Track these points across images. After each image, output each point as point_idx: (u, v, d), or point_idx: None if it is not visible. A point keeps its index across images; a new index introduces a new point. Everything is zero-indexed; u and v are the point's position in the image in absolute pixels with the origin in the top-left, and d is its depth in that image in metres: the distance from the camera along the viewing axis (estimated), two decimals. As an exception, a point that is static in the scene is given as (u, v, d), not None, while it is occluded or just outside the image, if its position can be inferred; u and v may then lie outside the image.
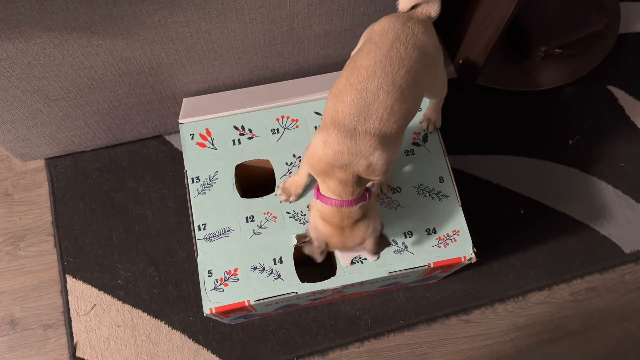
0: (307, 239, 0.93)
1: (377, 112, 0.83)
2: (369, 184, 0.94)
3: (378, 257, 1.02)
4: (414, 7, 0.92)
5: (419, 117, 1.15)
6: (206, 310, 1.00)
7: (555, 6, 1.47)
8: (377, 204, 0.94)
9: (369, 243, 0.91)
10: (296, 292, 1.01)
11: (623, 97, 1.55)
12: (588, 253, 1.39)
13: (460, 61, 1.47)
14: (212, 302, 1.00)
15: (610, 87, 1.55)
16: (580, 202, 1.43)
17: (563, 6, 1.47)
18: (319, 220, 0.90)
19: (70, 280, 1.33)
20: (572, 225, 1.41)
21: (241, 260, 1.04)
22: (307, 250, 0.93)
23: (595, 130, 1.51)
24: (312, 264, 1.27)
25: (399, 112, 0.84)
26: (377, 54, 0.85)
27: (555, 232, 1.40)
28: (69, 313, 1.31)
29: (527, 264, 1.37)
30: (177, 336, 1.29)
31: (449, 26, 1.51)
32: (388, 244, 0.95)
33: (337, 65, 1.27)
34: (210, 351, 1.28)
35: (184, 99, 1.22)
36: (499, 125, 1.49)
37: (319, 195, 0.89)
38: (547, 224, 1.41)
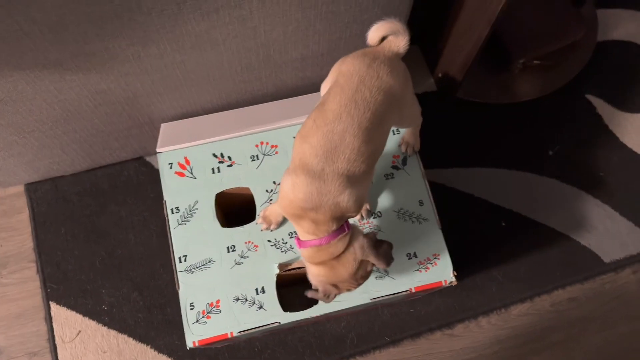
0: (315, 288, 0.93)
1: (344, 154, 0.84)
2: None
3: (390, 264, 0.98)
4: (383, 39, 0.92)
5: (398, 140, 1.15)
6: (189, 344, 1.00)
7: (533, 18, 1.47)
8: (357, 226, 0.93)
9: (373, 260, 0.90)
10: (279, 322, 1.02)
11: (601, 106, 1.56)
12: (569, 264, 1.41)
13: (440, 75, 1.48)
14: (194, 335, 1.01)
15: (589, 96, 1.56)
16: (561, 213, 1.45)
17: (541, 18, 1.47)
18: (311, 266, 0.90)
19: (54, 307, 1.33)
20: (552, 236, 1.43)
21: (223, 291, 1.04)
22: (311, 295, 0.92)
23: (574, 140, 1.52)
24: (294, 286, 1.28)
25: (365, 152, 0.85)
26: (342, 97, 0.85)
27: (537, 244, 1.42)
28: (54, 340, 1.31)
29: (509, 276, 1.39)
30: (164, 360, 1.29)
31: (428, 40, 1.51)
32: (390, 247, 0.93)
33: (315, 86, 1.27)
34: (197, 374, 1.29)
35: (162, 125, 1.21)
36: (479, 138, 1.50)
37: (299, 242, 0.90)
38: (528, 236, 1.42)
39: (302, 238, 0.90)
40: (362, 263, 0.90)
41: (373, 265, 0.92)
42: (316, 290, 0.92)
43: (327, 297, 0.92)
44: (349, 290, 0.93)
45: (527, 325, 1.37)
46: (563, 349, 1.36)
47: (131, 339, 1.31)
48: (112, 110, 1.14)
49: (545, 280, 1.39)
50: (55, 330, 1.31)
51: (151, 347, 1.30)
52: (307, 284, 1.29)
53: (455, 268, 1.07)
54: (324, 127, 0.84)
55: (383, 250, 0.91)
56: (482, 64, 1.49)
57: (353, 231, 0.91)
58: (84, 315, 1.32)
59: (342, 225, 0.88)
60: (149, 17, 0.89)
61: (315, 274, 0.91)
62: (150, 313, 1.32)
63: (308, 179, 0.83)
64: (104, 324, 1.32)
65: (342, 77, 0.88)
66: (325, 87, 0.99)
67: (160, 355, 1.30)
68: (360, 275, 0.91)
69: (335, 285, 0.90)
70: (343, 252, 0.88)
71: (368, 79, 0.86)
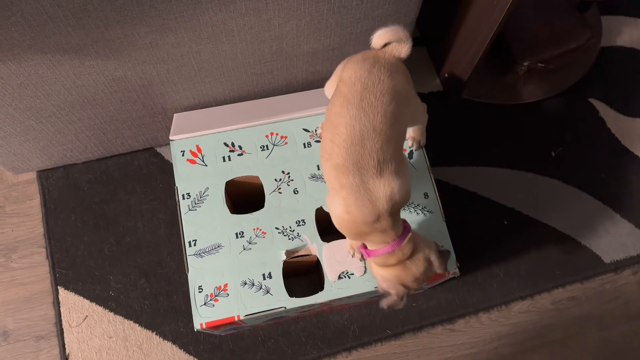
0: (385, 294, 0.93)
1: (372, 158, 0.86)
2: None
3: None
4: (386, 44, 0.94)
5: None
6: (197, 326, 1.02)
7: (539, 21, 1.50)
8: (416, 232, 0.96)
9: (435, 262, 0.93)
10: (285, 307, 1.04)
11: (604, 110, 1.59)
12: (569, 263, 1.43)
13: (446, 75, 1.51)
14: (202, 317, 1.03)
15: (592, 100, 1.59)
16: (562, 213, 1.47)
17: (546, 21, 1.51)
18: (382, 270, 0.92)
19: (62, 291, 1.35)
20: (554, 235, 1.45)
21: (231, 275, 1.06)
22: (387, 303, 0.92)
23: (577, 143, 1.55)
24: (299, 276, 1.30)
25: (388, 150, 0.87)
26: (350, 109, 0.87)
27: (538, 243, 1.44)
28: (61, 324, 1.33)
29: (510, 273, 1.41)
30: (169, 347, 1.31)
31: (434, 41, 1.55)
32: (448, 254, 0.98)
33: (325, 81, 1.28)
34: (201, 361, 1.31)
35: (175, 115, 1.24)
36: (483, 138, 1.53)
37: (369, 252, 0.92)
38: (529, 235, 1.45)
39: (371, 248, 0.92)
40: (429, 264, 0.93)
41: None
42: (389, 294, 0.92)
43: (402, 300, 0.93)
44: (415, 290, 0.96)
45: (527, 323, 1.39)
46: (562, 346, 1.37)
47: (137, 325, 1.33)
48: (127, 98, 1.17)
49: (546, 278, 1.42)
50: (62, 314, 1.34)
51: (156, 334, 1.32)
52: (312, 275, 1.32)
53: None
54: (343, 143, 0.86)
55: (444, 256, 0.96)
56: (488, 65, 1.52)
57: (414, 233, 0.94)
58: (91, 300, 1.35)
59: (404, 227, 0.91)
60: (169, 5, 0.92)
61: (387, 278, 0.92)
62: (157, 300, 1.34)
63: (355, 195, 0.85)
64: (111, 310, 1.34)
65: (345, 85, 0.90)
66: (329, 87, 1.01)
67: (165, 341, 1.32)
68: (427, 276, 0.94)
69: (405, 285, 0.92)
70: (414, 252, 0.91)
71: (370, 84, 0.88)
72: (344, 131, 0.87)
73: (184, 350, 1.31)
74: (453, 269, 1.09)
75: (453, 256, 1.09)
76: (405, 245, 0.90)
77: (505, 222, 1.45)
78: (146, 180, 1.44)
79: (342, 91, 0.90)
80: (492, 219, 1.46)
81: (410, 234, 0.91)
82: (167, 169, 1.45)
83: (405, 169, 0.92)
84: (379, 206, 0.86)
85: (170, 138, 1.16)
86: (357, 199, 0.85)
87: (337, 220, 0.91)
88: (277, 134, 1.17)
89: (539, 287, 1.41)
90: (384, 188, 0.86)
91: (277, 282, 1.06)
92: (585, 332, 1.39)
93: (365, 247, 0.94)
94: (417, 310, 1.37)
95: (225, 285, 1.05)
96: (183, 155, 1.15)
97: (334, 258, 1.08)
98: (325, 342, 1.33)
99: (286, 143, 1.17)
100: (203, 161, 1.14)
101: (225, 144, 1.16)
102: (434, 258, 0.93)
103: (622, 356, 1.37)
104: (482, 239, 1.43)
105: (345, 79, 0.91)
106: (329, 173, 0.90)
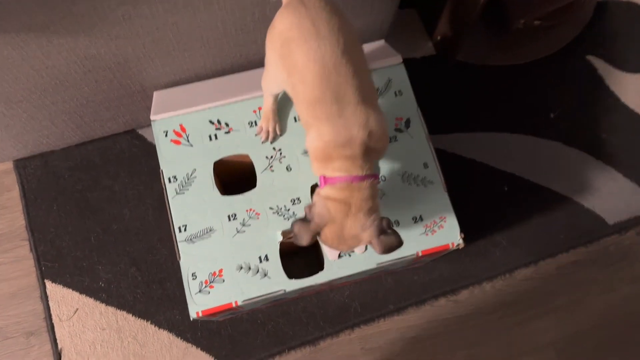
0: (303, 216, 0.86)
1: (348, 83, 0.82)
2: None
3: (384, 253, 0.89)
4: None
5: (399, 101, 1.12)
6: (192, 314, 0.97)
7: (533, -23, 1.43)
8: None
9: (374, 239, 0.84)
10: (284, 290, 0.99)
11: (602, 67, 1.53)
12: (573, 227, 1.39)
13: (438, 37, 1.44)
14: (198, 305, 0.98)
15: (590, 57, 1.54)
16: (564, 176, 1.43)
17: (541, -24, 1.44)
18: (327, 200, 0.84)
19: (49, 285, 1.29)
20: (556, 199, 1.41)
21: (225, 260, 1.01)
22: (297, 228, 0.84)
23: (576, 102, 1.49)
24: (297, 256, 1.25)
25: (361, 75, 0.84)
26: (310, 42, 0.82)
27: (540, 208, 1.40)
28: (51, 319, 1.27)
29: (513, 241, 1.37)
30: (165, 335, 1.27)
31: (425, 2, 1.47)
32: (399, 244, 0.85)
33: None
34: (199, 348, 1.26)
35: (155, 92, 1.17)
36: (480, 102, 1.47)
37: (325, 180, 0.85)
38: (531, 200, 1.41)
39: (329, 175, 0.85)
40: (361, 239, 0.85)
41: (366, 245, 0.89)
42: (307, 217, 0.85)
43: (311, 236, 0.84)
44: (331, 245, 0.87)
45: (531, 290, 1.35)
46: (566, 312, 1.35)
47: (130, 315, 1.28)
48: (102, 78, 1.09)
49: (549, 244, 1.38)
50: (51, 308, 1.28)
51: (151, 323, 1.28)
52: (310, 254, 1.27)
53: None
54: (316, 76, 0.82)
55: (388, 239, 0.85)
56: (482, 25, 1.45)
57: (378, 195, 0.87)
58: (81, 292, 1.29)
59: (374, 174, 0.85)
60: (140, -28, 0.85)
61: (330, 208, 0.83)
62: (149, 288, 1.29)
63: (330, 121, 0.82)
64: (102, 301, 1.29)
65: (290, 30, 0.84)
66: (272, 67, 0.93)
67: (161, 330, 1.27)
68: (349, 245, 0.86)
69: (322, 235, 0.85)
70: (367, 209, 0.83)
71: (315, 15, 0.83)
72: (313, 65, 0.82)
73: (181, 338, 1.26)
74: (457, 240, 1.04)
75: (456, 227, 1.05)
76: (365, 186, 0.83)
77: (506, 189, 1.41)
78: (129, 164, 1.37)
79: (290, 36, 0.84)
80: (493, 186, 1.41)
81: (375, 182, 0.85)
82: (151, 151, 1.38)
83: (376, 103, 0.89)
84: (353, 132, 0.82)
85: (152, 118, 1.09)
86: (332, 125, 0.82)
87: (311, 150, 0.87)
88: (265, 109, 1.10)
89: (542, 253, 1.37)
90: (361, 114, 0.83)
91: (275, 264, 1.01)
92: (590, 296, 1.36)
93: (324, 178, 0.86)
94: (420, 283, 1.33)
95: (220, 270, 1.00)
96: (166, 135, 1.08)
97: (333, 236, 1.03)
98: (327, 321, 1.29)
99: (275, 117, 1.10)
100: (188, 141, 1.08)
101: (211, 122, 1.09)
102: (373, 237, 0.84)
103: (626, 319, 1.35)
104: (483, 206, 1.39)
105: (287, 25, 0.85)
106: (305, 112, 0.86)
